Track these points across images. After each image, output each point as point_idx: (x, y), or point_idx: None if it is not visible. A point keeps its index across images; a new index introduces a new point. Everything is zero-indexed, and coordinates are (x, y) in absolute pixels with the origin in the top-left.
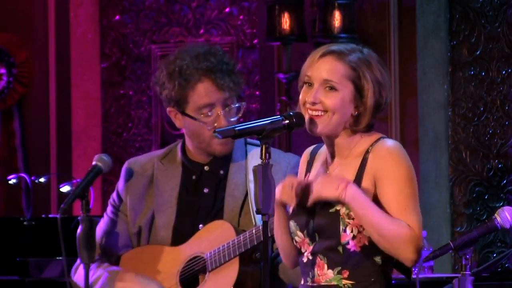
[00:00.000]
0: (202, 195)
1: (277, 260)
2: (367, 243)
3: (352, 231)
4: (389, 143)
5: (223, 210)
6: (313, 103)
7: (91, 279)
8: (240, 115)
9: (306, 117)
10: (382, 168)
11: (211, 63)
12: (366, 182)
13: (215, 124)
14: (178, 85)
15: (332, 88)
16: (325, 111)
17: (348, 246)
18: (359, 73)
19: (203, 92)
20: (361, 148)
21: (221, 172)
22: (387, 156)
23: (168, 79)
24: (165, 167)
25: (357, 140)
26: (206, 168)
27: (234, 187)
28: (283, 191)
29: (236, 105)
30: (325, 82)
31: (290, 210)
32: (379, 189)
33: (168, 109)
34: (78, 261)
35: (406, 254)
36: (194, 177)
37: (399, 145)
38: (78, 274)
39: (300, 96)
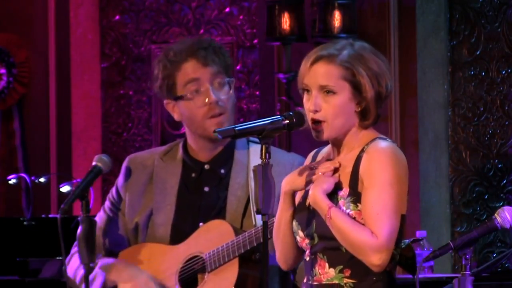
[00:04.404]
0: (202, 194)
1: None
2: None
3: None
4: (382, 145)
5: (225, 209)
6: (315, 111)
7: (79, 272)
8: (231, 91)
9: (311, 124)
10: (368, 171)
11: (194, 44)
12: (360, 185)
13: (206, 100)
14: (164, 68)
15: (330, 92)
16: (327, 117)
17: None
18: (353, 71)
19: (188, 69)
20: (357, 147)
21: (222, 171)
22: (375, 159)
23: (158, 69)
24: (166, 164)
25: (362, 135)
26: (206, 166)
27: (237, 187)
28: (293, 178)
29: (225, 79)
30: (322, 88)
31: (297, 198)
32: (362, 192)
33: (165, 102)
34: (72, 250)
35: (368, 261)
36: (193, 175)
37: (392, 147)
38: (70, 266)
39: (304, 105)
